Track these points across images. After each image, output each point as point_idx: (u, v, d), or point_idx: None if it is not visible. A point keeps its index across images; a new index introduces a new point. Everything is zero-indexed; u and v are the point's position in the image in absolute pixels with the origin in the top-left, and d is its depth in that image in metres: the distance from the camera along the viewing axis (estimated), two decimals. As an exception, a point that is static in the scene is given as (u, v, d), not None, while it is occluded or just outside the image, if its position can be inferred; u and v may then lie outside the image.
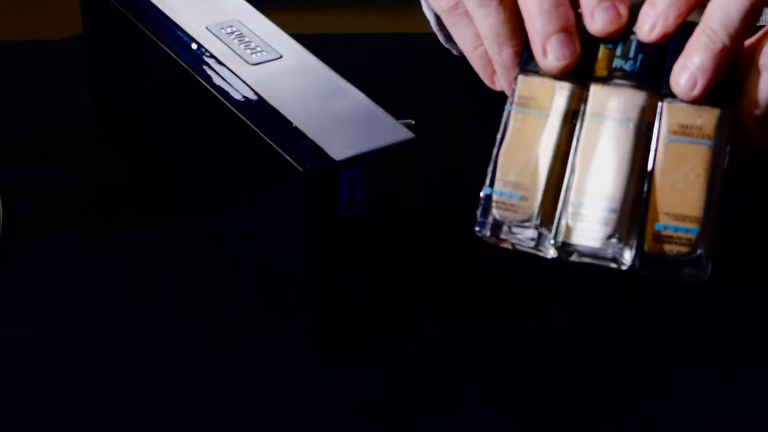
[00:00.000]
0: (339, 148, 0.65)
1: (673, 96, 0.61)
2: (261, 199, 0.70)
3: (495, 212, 0.62)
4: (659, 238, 0.60)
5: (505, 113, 0.63)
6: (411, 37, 0.95)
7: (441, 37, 0.86)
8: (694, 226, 0.60)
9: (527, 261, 0.70)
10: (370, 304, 0.69)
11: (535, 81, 0.63)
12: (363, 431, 0.64)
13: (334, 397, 0.66)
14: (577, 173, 0.61)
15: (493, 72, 0.66)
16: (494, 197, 0.62)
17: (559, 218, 0.61)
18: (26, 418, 0.65)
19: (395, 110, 0.68)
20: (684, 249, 0.60)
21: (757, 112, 0.61)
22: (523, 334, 0.69)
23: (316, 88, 0.70)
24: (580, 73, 0.62)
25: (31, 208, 0.78)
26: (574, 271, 0.65)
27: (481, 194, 0.62)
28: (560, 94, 0.62)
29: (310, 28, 0.94)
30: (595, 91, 0.62)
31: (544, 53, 0.62)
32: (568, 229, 0.61)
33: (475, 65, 0.67)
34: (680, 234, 0.60)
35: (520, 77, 0.63)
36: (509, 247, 0.63)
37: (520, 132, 0.62)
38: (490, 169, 0.62)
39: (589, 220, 0.60)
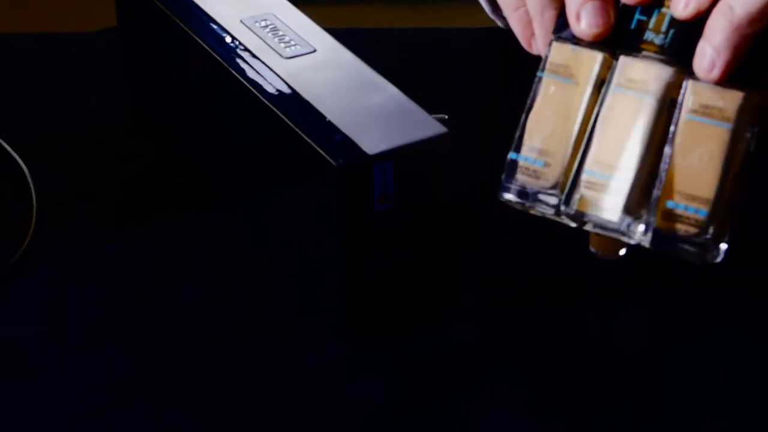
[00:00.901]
0: (372, 143, 0.65)
1: None
2: (293, 192, 0.70)
3: (520, 178, 0.62)
4: (669, 216, 0.60)
5: (536, 80, 0.63)
6: (444, 31, 0.95)
7: (487, 8, 0.86)
8: (704, 208, 0.59)
9: (556, 254, 0.70)
10: (400, 299, 0.69)
11: (568, 48, 0.62)
12: (389, 427, 0.64)
13: (362, 392, 0.66)
14: (594, 142, 0.61)
15: (532, 34, 0.66)
16: (520, 163, 0.62)
17: (573, 186, 0.61)
18: (52, 410, 0.65)
19: (428, 105, 0.68)
20: (692, 229, 0.59)
21: None
22: (549, 331, 0.69)
23: (349, 82, 0.70)
24: (614, 43, 0.62)
25: (61, 203, 0.78)
26: (587, 264, 0.65)
27: (507, 159, 0.62)
28: (592, 63, 0.62)
29: (343, 22, 0.94)
30: (623, 62, 0.62)
31: (578, 19, 0.62)
32: (582, 199, 0.61)
33: (514, 26, 0.66)
34: (689, 214, 0.59)
35: (554, 44, 0.63)
36: (538, 213, 0.63)
37: (549, 99, 0.62)
38: (517, 135, 0.62)
39: (601, 191, 0.60)
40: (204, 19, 0.75)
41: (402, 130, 0.66)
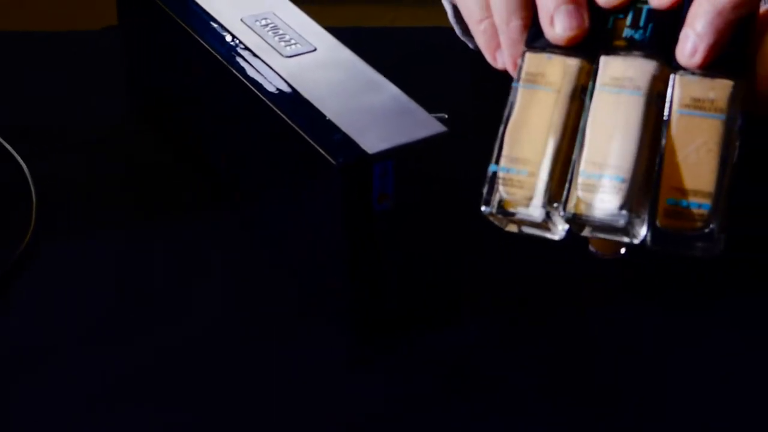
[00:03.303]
0: (372, 142, 0.65)
1: (685, 68, 0.60)
2: (294, 191, 0.70)
3: (501, 189, 0.61)
4: (671, 214, 0.59)
5: (512, 90, 0.62)
6: (445, 30, 0.95)
7: (458, 30, 0.85)
8: (706, 201, 0.59)
9: (556, 254, 0.70)
10: (403, 299, 0.69)
11: (542, 57, 0.62)
12: (389, 427, 0.64)
13: (362, 393, 0.66)
14: (587, 144, 0.60)
15: (497, 47, 0.64)
16: (500, 174, 0.61)
17: (569, 190, 0.60)
18: (61, 407, 0.65)
19: (428, 104, 0.68)
20: (696, 224, 0.58)
21: None
22: (549, 331, 0.69)
23: (349, 81, 0.70)
24: (589, 48, 0.62)
25: (67, 199, 0.78)
26: (587, 264, 0.65)
27: (488, 172, 0.61)
28: (568, 69, 0.61)
29: (343, 21, 0.94)
30: (605, 61, 0.61)
31: (552, 23, 0.61)
32: (579, 201, 0.59)
33: (479, 39, 0.65)
34: (692, 209, 0.59)
35: (527, 54, 0.62)
36: (515, 230, 0.62)
37: (527, 108, 0.61)
38: (496, 147, 0.61)
39: (600, 191, 0.59)
40: (204, 17, 0.75)
41: (402, 129, 0.66)
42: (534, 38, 0.62)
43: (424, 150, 0.66)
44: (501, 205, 0.61)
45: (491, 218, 0.61)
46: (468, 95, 0.88)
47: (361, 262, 0.66)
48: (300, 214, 0.70)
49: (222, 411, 0.65)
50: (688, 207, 0.59)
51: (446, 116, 0.69)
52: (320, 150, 0.64)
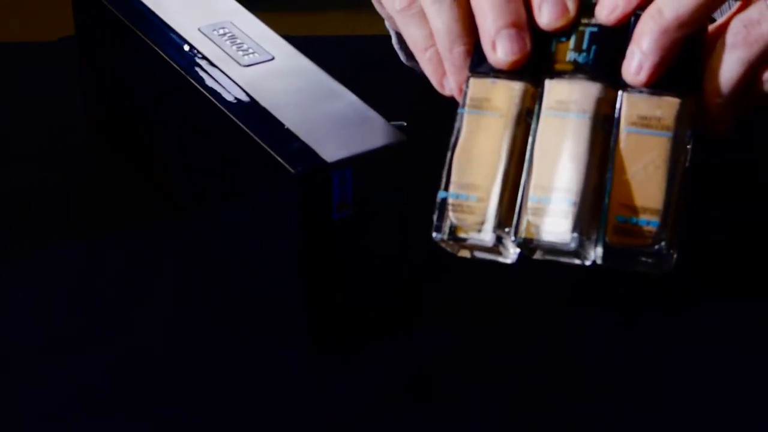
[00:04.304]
0: (331, 150, 0.65)
1: (632, 87, 0.60)
2: (254, 200, 0.70)
3: (451, 216, 0.61)
4: (620, 231, 0.59)
5: (458, 116, 0.62)
6: (403, 39, 0.95)
7: (402, 56, 0.85)
8: (655, 218, 0.59)
9: (521, 261, 0.70)
10: (363, 306, 0.69)
11: (486, 82, 0.62)
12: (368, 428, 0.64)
13: (326, 400, 0.66)
14: (535, 168, 0.60)
15: (443, 74, 0.64)
16: (450, 200, 0.61)
17: (519, 215, 0.60)
18: (20, 418, 0.65)
19: (387, 112, 0.68)
20: (645, 241, 0.59)
21: (720, 94, 0.60)
22: (520, 335, 0.69)
23: (308, 90, 0.70)
24: (533, 72, 0.62)
25: (25, 208, 0.78)
26: (568, 270, 0.65)
27: (437, 199, 0.61)
28: (513, 93, 0.61)
29: (302, 29, 0.94)
30: (550, 85, 0.61)
31: (494, 48, 0.61)
32: (529, 225, 0.60)
33: (425, 67, 0.65)
34: (641, 226, 0.59)
35: (472, 80, 0.62)
36: (467, 255, 0.62)
37: (474, 133, 0.61)
38: (444, 173, 0.61)
39: (549, 215, 0.59)
40: (162, 27, 0.75)
41: (360, 138, 0.66)
42: (478, 63, 0.62)
43: (383, 158, 0.66)
44: (452, 231, 0.61)
45: (443, 245, 0.61)
46: (427, 106, 0.89)
47: (320, 271, 0.66)
48: (259, 223, 0.70)
49: (181, 419, 0.64)
50: (637, 224, 0.59)
51: (405, 124, 0.69)
52: (279, 159, 0.64)
